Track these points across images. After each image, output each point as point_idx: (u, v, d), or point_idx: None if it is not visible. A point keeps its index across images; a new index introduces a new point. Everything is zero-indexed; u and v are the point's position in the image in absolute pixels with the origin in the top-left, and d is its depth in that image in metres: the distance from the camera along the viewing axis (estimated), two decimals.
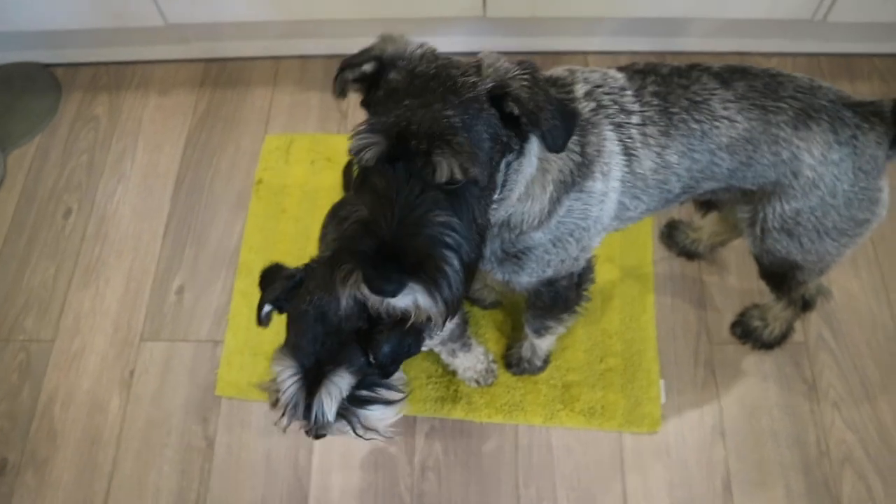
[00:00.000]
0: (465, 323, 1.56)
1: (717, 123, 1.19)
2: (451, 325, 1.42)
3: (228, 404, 1.78)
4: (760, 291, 1.83)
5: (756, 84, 1.21)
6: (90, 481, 1.73)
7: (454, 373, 1.74)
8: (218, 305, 1.90)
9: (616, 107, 1.17)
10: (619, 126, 1.17)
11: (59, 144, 2.19)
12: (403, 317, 0.97)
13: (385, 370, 1.11)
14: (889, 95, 2.07)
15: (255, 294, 1.87)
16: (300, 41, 2.24)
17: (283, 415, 1.10)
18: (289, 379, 1.07)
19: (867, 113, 1.20)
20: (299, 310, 1.11)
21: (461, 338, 1.56)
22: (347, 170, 2.00)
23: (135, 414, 1.79)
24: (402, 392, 1.19)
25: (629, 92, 1.19)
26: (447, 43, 2.20)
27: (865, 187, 1.22)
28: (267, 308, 1.17)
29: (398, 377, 1.19)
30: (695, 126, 1.19)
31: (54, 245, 2.03)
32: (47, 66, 2.33)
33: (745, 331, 1.78)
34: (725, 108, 1.19)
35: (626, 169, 1.19)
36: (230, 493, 1.69)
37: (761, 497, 1.63)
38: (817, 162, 1.19)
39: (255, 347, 1.82)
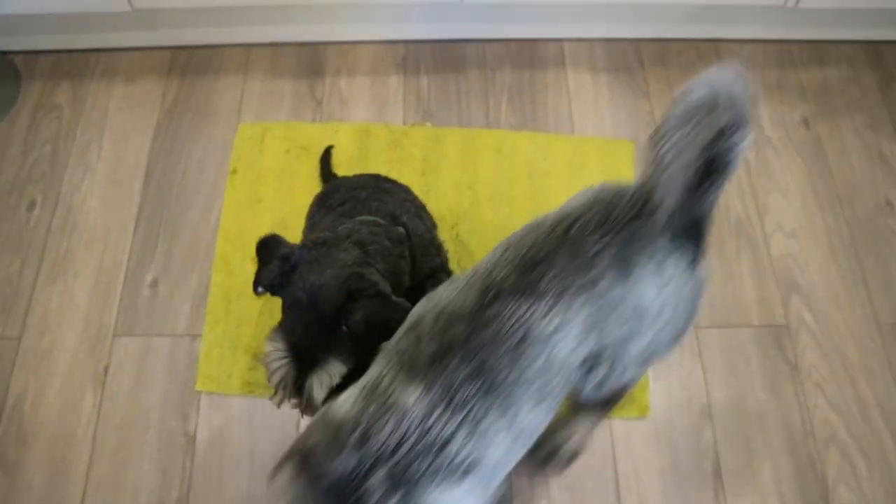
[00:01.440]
0: None
1: (556, 344, 0.96)
2: None
3: (209, 399, 1.73)
4: (741, 275, 1.85)
5: (560, 268, 0.97)
6: (64, 483, 1.66)
7: None
8: (194, 298, 1.84)
9: (437, 460, 0.89)
10: (447, 474, 0.90)
11: (19, 134, 2.09)
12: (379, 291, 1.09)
13: (366, 344, 1.07)
14: (857, 81, 2.13)
15: (233, 287, 1.85)
16: (271, 28, 2.18)
17: (276, 393, 1.10)
18: (278, 360, 1.08)
19: (640, 214, 1.01)
20: (294, 296, 1.10)
21: None
22: (325, 158, 1.96)
23: (110, 412, 1.72)
24: None
25: (436, 413, 0.90)
26: (423, 31, 2.18)
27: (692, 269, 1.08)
28: (261, 290, 1.14)
29: None
30: (531, 375, 0.94)
31: (18, 239, 1.94)
32: (5, 53, 2.23)
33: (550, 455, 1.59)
34: (550, 321, 0.95)
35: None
36: (214, 489, 1.64)
37: (750, 479, 1.64)
38: (657, 293, 1.02)
39: (234, 341, 1.77)
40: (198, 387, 1.74)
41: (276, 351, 1.07)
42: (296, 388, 1.07)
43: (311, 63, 2.18)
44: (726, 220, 1.93)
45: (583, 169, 1.97)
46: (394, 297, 1.10)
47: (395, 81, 2.13)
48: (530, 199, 1.93)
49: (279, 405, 1.12)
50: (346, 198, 1.38)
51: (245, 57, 2.20)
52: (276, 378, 1.08)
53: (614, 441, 1.68)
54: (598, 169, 1.97)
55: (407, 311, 1.07)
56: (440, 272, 1.36)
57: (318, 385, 1.05)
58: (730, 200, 1.96)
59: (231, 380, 1.73)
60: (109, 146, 2.07)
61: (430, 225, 1.42)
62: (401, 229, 1.27)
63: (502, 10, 2.09)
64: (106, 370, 1.77)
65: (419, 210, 1.44)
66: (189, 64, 2.19)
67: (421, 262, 1.30)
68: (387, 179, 1.56)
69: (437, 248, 1.36)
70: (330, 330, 1.07)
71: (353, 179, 1.58)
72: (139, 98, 2.14)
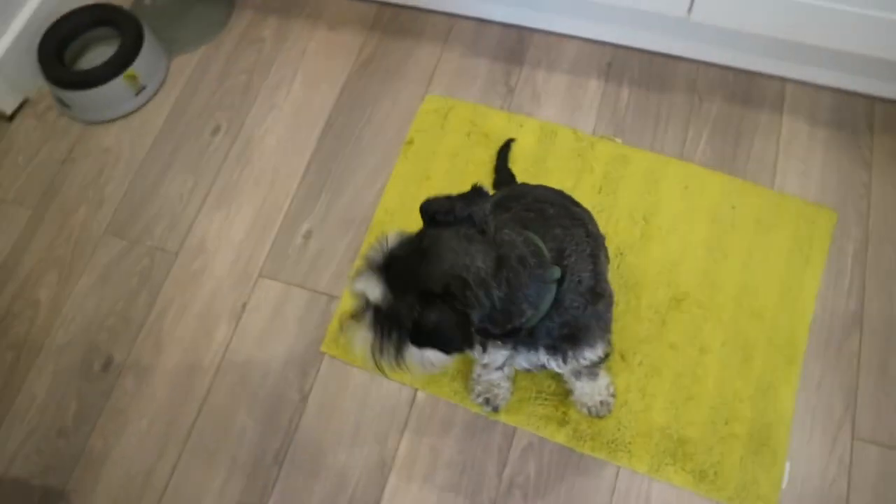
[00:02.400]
0: (606, 356, 1.45)
1: None
2: (594, 357, 1.31)
3: (330, 363, 1.74)
4: None
5: None
6: (182, 402, 1.73)
7: (567, 393, 1.63)
8: (342, 259, 1.85)
9: None
10: None
11: (221, 59, 2.16)
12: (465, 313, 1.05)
13: (417, 335, 1.07)
14: None
15: None
16: (480, 2, 2.11)
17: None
18: (374, 252, 1.11)
19: None
20: (423, 237, 1.11)
21: (595, 366, 1.46)
22: (503, 150, 1.89)
23: (238, 348, 1.78)
24: (393, 359, 1.14)
25: None
26: (637, 38, 2.03)
27: None
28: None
29: (417, 361, 1.15)
30: None
31: (197, 159, 2.01)
32: None
33: None
34: None
35: None
36: (312, 452, 1.65)
37: None
38: None
39: None
40: (323, 348, 1.75)
41: (380, 246, 1.11)
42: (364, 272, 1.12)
43: (512, 47, 2.09)
44: None
45: (772, 230, 1.79)
46: (472, 329, 1.06)
47: (594, 86, 2.01)
48: (706, 246, 1.78)
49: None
50: (533, 207, 1.31)
51: (448, 27, 2.14)
52: (368, 254, 1.12)
53: None
54: (790, 234, 1.78)
55: (465, 342, 1.06)
56: (583, 336, 1.27)
57: (361, 280, 1.10)
58: None
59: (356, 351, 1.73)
60: (299, 89, 2.10)
61: (601, 269, 1.30)
62: (556, 272, 1.18)
63: (730, 34, 1.90)
64: (244, 307, 1.82)
65: (596, 249, 1.30)
66: (392, 22, 2.17)
67: (566, 309, 1.21)
68: (574, 202, 1.46)
69: (594, 297, 1.25)
70: (409, 280, 1.07)
71: (538, 189, 1.49)
72: (337, 47, 2.15)
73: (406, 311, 1.06)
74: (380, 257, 1.10)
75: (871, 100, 1.96)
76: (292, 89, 2.09)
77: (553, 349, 1.27)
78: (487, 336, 1.17)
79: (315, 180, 1.96)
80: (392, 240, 1.11)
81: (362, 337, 1.15)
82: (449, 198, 1.15)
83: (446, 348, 1.08)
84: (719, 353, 1.68)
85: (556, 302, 1.19)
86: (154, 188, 1.98)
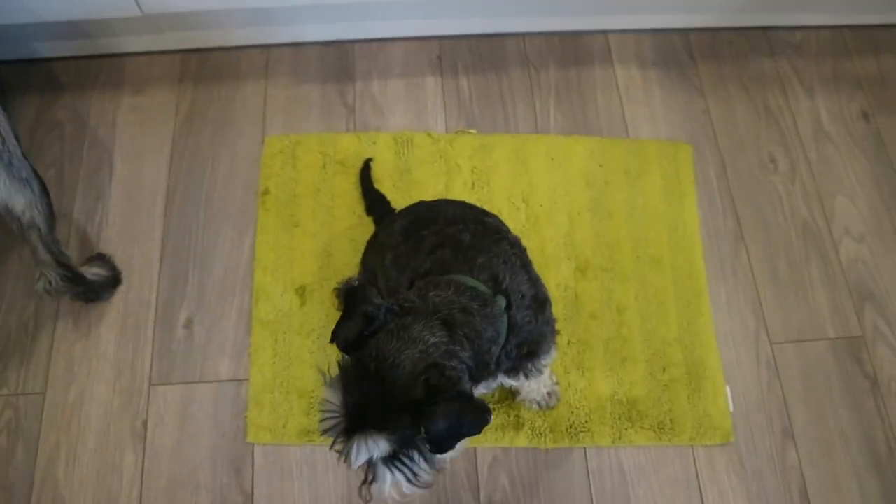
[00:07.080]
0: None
1: None
2: (549, 360, 1.28)
3: (263, 451, 1.59)
4: (812, 285, 1.77)
5: None
6: None
7: (513, 396, 1.61)
8: (236, 338, 1.68)
9: None
10: None
11: None
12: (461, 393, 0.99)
13: (439, 446, 1.00)
14: None
15: (278, 323, 1.69)
16: (289, 26, 1.97)
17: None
18: (331, 413, 1.02)
19: None
20: (362, 361, 1.01)
21: None
22: (365, 173, 1.80)
23: (155, 471, 1.57)
24: (431, 473, 1.06)
25: None
26: (456, 25, 2.00)
27: None
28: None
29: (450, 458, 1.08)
30: None
31: (29, 278, 1.74)
32: None
33: None
34: None
35: None
36: None
37: (837, 501, 1.58)
38: None
39: (286, 384, 1.62)
40: (249, 439, 1.59)
41: (331, 404, 1.01)
42: (342, 440, 1.01)
43: (338, 65, 1.99)
44: (792, 224, 1.84)
45: (642, 176, 1.85)
46: (474, 400, 1.01)
47: (431, 83, 1.96)
48: (589, 210, 1.81)
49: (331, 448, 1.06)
50: (445, 238, 1.23)
51: (264, 59, 1.99)
52: (326, 426, 1.02)
53: (699, 469, 1.60)
54: (658, 175, 1.85)
55: (484, 413, 1.00)
56: (541, 348, 1.24)
57: (357, 452, 0.99)
58: (794, 203, 1.86)
59: (286, 429, 1.59)
60: (122, 167, 1.86)
61: (534, 275, 1.27)
62: (502, 303, 1.14)
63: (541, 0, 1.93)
64: (145, 424, 1.61)
65: (525, 258, 1.28)
66: (202, 69, 1.98)
67: (520, 327, 1.17)
68: (484, 212, 1.41)
69: (539, 305, 1.22)
70: (390, 409, 0.98)
71: (442, 208, 1.40)
72: (150, 110, 1.93)
73: (411, 435, 0.99)
74: (341, 419, 1.00)
75: (685, 32, 2.07)
76: (115, 170, 1.86)
77: (514, 371, 1.24)
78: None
79: (176, 261, 1.76)
80: (335, 394, 1.01)
81: (389, 485, 1.04)
82: (346, 319, 1.06)
83: (472, 432, 0.99)
84: (635, 308, 1.72)
85: (511, 325, 1.15)
86: None
